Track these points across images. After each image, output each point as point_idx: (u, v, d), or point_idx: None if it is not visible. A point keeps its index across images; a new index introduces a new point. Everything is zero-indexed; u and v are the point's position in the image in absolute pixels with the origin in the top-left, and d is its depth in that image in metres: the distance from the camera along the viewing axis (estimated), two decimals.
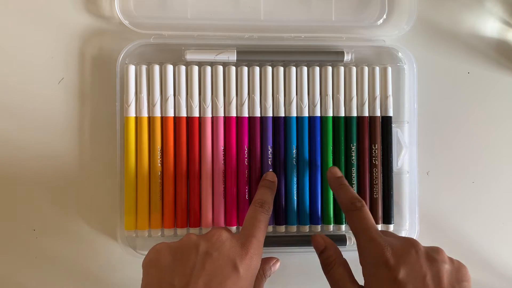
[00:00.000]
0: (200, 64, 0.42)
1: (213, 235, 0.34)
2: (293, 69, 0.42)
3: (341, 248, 0.42)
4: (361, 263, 0.34)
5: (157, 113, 0.41)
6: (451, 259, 0.34)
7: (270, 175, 0.41)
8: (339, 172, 0.40)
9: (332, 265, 0.36)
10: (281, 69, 0.42)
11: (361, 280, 0.35)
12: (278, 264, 0.40)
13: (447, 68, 0.46)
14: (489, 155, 0.46)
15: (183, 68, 0.41)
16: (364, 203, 0.36)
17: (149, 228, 0.41)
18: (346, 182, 0.39)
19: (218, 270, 0.32)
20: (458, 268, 0.33)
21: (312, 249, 0.42)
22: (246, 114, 0.42)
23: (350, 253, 0.39)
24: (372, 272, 0.33)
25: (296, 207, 0.42)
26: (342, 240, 0.42)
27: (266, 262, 0.39)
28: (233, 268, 0.32)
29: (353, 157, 0.42)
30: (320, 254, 0.37)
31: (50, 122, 0.42)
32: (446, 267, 0.33)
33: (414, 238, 0.40)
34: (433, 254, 0.33)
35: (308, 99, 0.42)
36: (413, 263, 0.32)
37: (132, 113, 0.41)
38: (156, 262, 0.33)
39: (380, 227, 0.42)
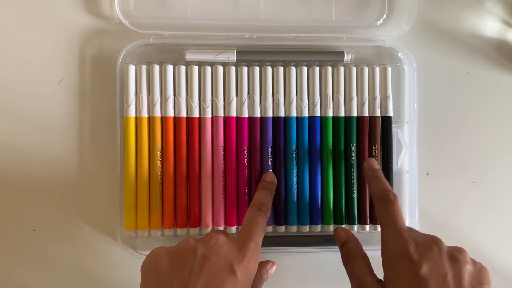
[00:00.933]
0: (200, 64, 0.42)
1: (210, 239, 0.34)
2: (293, 69, 0.42)
3: None
4: (383, 255, 0.35)
5: (157, 113, 0.41)
6: (473, 261, 0.34)
7: (270, 176, 0.41)
8: (376, 164, 0.40)
9: (352, 257, 0.36)
10: (281, 69, 0.42)
11: (380, 275, 0.35)
12: (274, 267, 0.41)
13: (447, 68, 0.46)
14: (489, 155, 0.46)
15: (183, 68, 0.41)
16: (397, 197, 0.36)
17: (149, 228, 0.41)
18: (382, 174, 0.39)
19: (216, 274, 0.32)
20: (479, 270, 0.33)
21: (311, 249, 0.43)
22: (246, 114, 0.42)
23: None
24: (394, 265, 0.34)
25: (296, 207, 0.42)
26: None
27: (263, 265, 0.40)
28: (230, 271, 0.32)
29: (353, 157, 0.42)
30: (342, 246, 0.38)
31: (50, 122, 0.42)
32: (468, 268, 0.33)
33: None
34: (455, 254, 0.33)
35: (308, 99, 0.42)
36: (435, 260, 0.33)
37: (132, 113, 0.41)
38: (154, 266, 0.33)
39: (380, 227, 0.42)
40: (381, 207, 0.36)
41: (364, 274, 0.35)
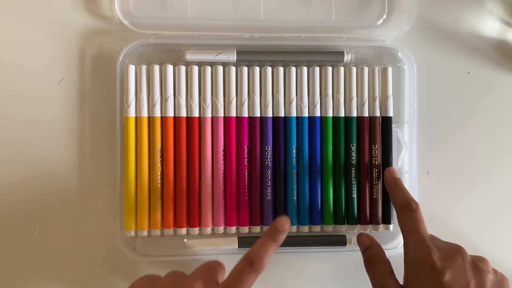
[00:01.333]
0: (200, 64, 0.42)
1: (184, 287, 0.31)
2: (293, 69, 0.42)
3: (341, 249, 0.42)
4: (405, 262, 0.35)
5: (157, 113, 0.41)
6: (494, 270, 0.35)
7: (281, 223, 0.33)
8: (397, 174, 0.41)
9: (375, 263, 0.37)
10: (281, 69, 0.42)
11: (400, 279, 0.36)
12: None
13: (447, 68, 0.46)
14: (489, 155, 0.46)
15: (183, 68, 0.41)
16: (419, 206, 0.37)
17: (149, 228, 0.41)
18: (403, 184, 0.40)
19: None
20: (500, 280, 0.34)
21: (311, 249, 0.42)
22: (246, 114, 0.42)
23: (351, 253, 0.39)
24: (417, 271, 0.34)
25: (296, 207, 0.42)
26: (342, 241, 0.42)
27: None
28: None
29: (353, 157, 0.42)
30: (364, 251, 0.38)
31: (50, 122, 0.42)
32: (490, 277, 0.33)
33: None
34: (478, 263, 0.34)
35: (308, 99, 0.42)
36: (458, 268, 0.33)
37: (132, 113, 0.41)
38: None
39: (380, 227, 0.42)
40: (403, 215, 0.37)
41: (386, 279, 0.35)
